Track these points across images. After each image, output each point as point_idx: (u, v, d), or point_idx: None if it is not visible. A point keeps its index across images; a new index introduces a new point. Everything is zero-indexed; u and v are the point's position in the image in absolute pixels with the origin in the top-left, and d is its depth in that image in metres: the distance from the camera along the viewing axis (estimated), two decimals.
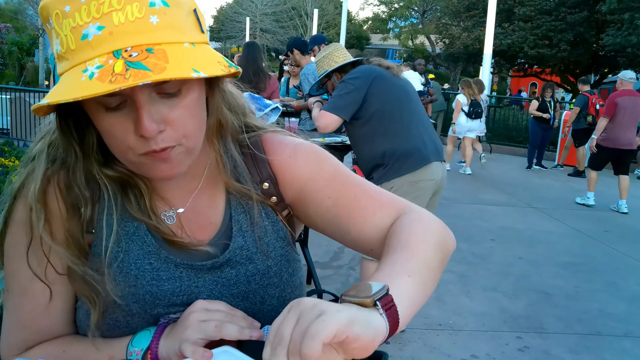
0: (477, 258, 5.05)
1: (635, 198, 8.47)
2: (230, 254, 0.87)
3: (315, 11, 20.49)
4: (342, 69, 3.25)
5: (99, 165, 0.82)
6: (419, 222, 0.82)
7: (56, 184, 0.83)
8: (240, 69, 0.75)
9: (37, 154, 0.85)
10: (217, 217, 0.89)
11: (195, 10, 0.75)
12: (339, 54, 3.26)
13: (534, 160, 10.46)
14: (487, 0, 11.83)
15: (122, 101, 0.71)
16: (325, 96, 5.11)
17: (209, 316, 0.76)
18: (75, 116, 0.80)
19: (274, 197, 0.91)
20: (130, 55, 0.66)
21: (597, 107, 9.47)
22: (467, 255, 5.09)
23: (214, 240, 0.88)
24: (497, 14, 12.77)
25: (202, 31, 0.75)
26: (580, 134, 9.77)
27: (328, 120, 3.07)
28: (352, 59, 3.27)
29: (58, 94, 0.67)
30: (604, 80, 19.39)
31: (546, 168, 10.53)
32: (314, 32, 20.61)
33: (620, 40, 15.93)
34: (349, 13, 20.11)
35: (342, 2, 18.26)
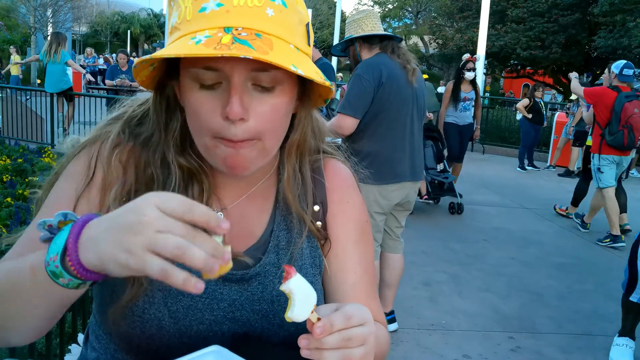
0: (470, 258, 5.06)
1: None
2: (261, 268, 0.86)
3: (309, 11, 20.52)
4: (367, 39, 3.11)
5: (175, 152, 0.84)
6: (379, 337, 0.87)
7: (136, 158, 0.86)
8: (334, 88, 0.76)
9: (118, 117, 0.90)
10: (258, 229, 0.90)
11: (307, 24, 0.79)
12: (368, 22, 3.09)
13: (526, 162, 10.48)
14: (480, 2, 11.87)
15: (218, 81, 0.74)
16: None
17: (168, 227, 0.59)
18: (167, 99, 0.84)
19: (319, 222, 0.92)
20: (239, 34, 0.70)
21: None
22: (460, 256, 5.11)
23: (248, 251, 0.88)
24: (490, 15, 12.80)
25: (309, 44, 0.79)
26: (584, 135, 9.78)
27: (349, 123, 2.96)
28: (380, 31, 3.10)
29: (162, 53, 0.70)
30: (596, 82, 19.44)
31: (538, 168, 10.57)
32: None
33: (612, 42, 16.06)
34: (342, 13, 20.10)
35: (335, 2, 18.27)
